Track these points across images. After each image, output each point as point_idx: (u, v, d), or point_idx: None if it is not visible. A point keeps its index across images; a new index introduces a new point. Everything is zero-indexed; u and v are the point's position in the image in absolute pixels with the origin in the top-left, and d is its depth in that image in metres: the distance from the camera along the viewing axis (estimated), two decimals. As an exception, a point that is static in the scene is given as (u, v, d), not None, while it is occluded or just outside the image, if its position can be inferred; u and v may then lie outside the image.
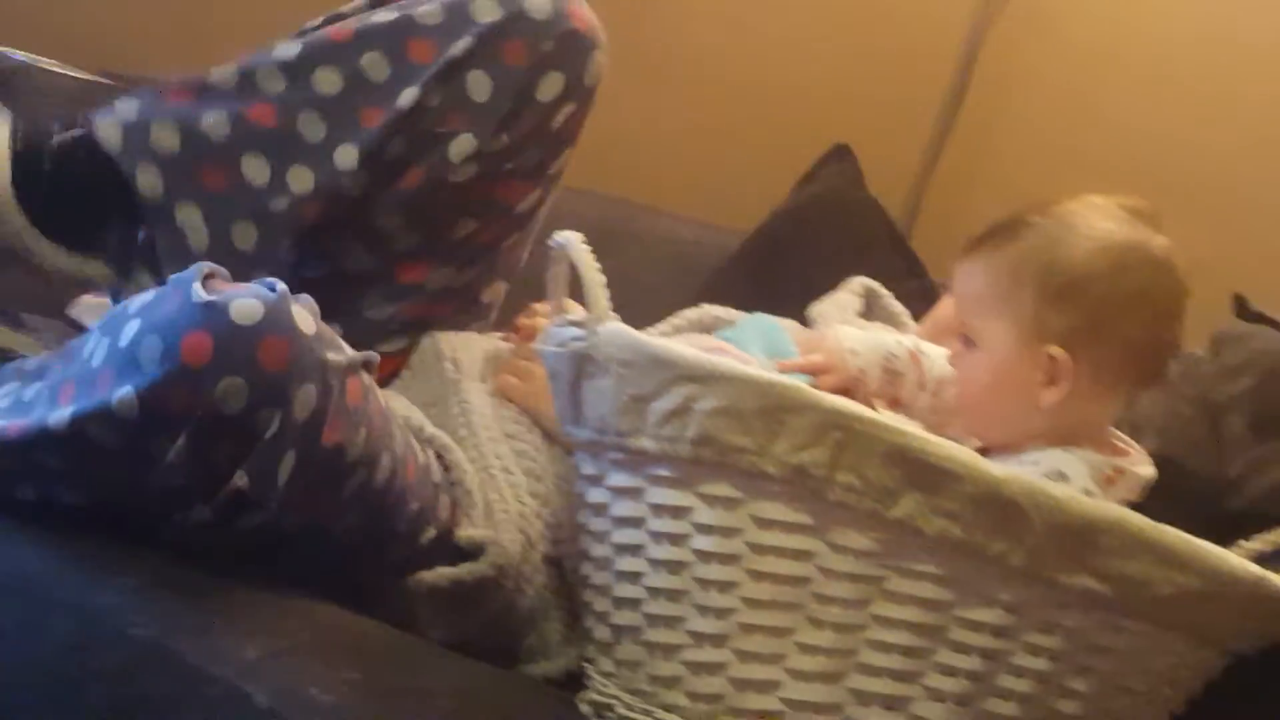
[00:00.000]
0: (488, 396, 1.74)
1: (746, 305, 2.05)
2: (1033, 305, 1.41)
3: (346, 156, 1.66)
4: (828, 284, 2.16)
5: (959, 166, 2.89)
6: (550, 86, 1.70)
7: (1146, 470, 1.46)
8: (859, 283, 2.13)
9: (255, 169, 1.66)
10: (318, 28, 1.71)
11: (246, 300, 1.26)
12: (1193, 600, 1.29)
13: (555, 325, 1.45)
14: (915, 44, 2.92)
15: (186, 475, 1.28)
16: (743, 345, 1.68)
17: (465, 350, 1.80)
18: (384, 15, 1.68)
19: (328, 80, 1.66)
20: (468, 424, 1.68)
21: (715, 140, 2.93)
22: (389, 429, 1.45)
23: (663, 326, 1.98)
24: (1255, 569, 1.32)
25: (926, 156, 2.85)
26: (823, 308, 2.06)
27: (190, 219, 1.66)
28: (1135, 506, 1.30)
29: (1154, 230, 1.44)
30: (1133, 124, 2.81)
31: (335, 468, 1.36)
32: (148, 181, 1.67)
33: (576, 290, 1.42)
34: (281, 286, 1.31)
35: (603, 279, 1.37)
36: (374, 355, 1.44)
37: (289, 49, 1.68)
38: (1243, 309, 1.94)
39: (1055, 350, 1.40)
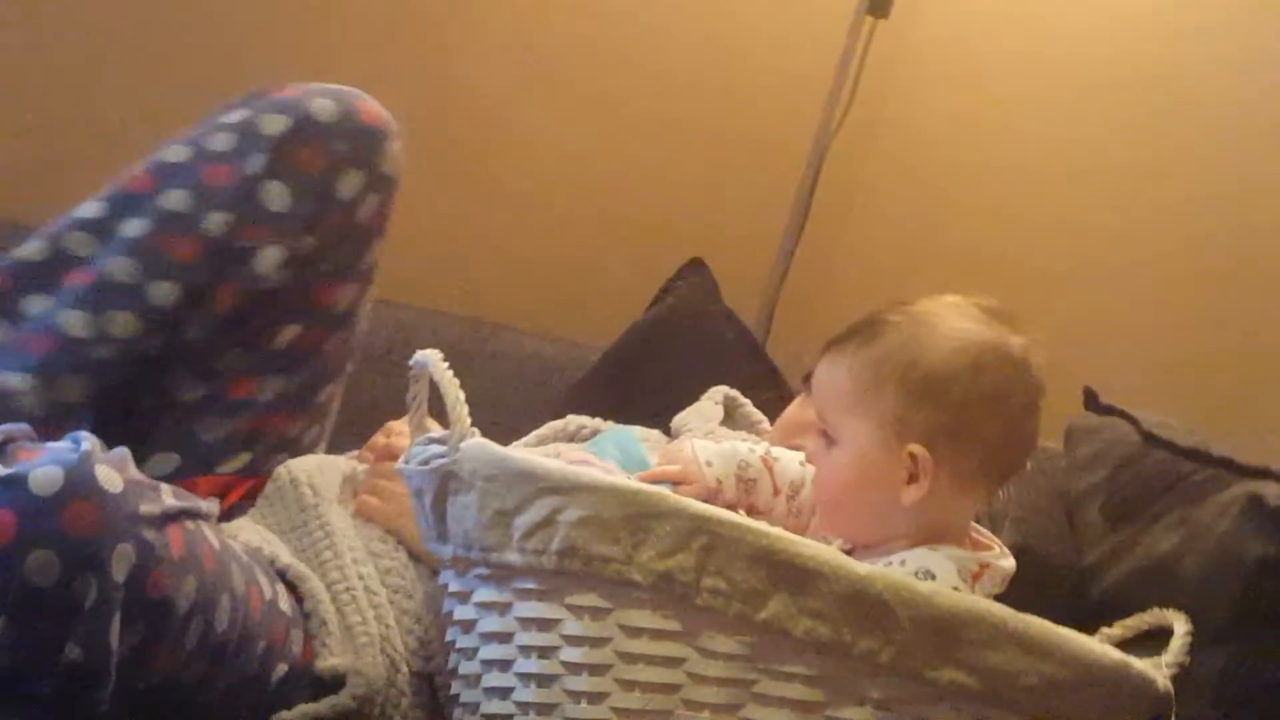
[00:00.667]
0: (349, 518, 1.72)
1: (608, 417, 2.06)
2: (894, 404, 1.42)
3: (164, 292, 1.66)
4: (688, 394, 2.17)
5: (810, 275, 2.92)
6: (350, 184, 1.71)
7: (1008, 563, 1.47)
8: (720, 392, 2.15)
9: (77, 324, 1.65)
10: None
11: (45, 469, 1.24)
12: (1060, 689, 1.30)
13: (417, 443, 1.44)
14: (763, 158, 2.96)
15: (14, 655, 1.25)
16: (601, 457, 1.68)
17: (323, 474, 1.78)
18: (177, 153, 1.70)
19: (135, 226, 1.67)
20: (331, 545, 1.66)
21: (571, 259, 2.94)
22: (225, 570, 1.43)
23: (528, 438, 1.98)
24: (1117, 654, 1.35)
25: (778, 266, 2.87)
26: (685, 418, 2.07)
27: (19, 385, 1.64)
28: (998, 599, 1.32)
29: (1011, 329, 1.47)
30: (976, 223, 2.87)
31: (168, 622, 1.34)
32: None
33: (435, 409, 1.41)
34: (86, 444, 1.29)
35: (462, 395, 1.37)
36: (207, 504, 1.44)
37: (91, 209, 1.68)
38: (1093, 402, 1.98)
39: (916, 448, 1.41)
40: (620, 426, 1.92)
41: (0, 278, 1.68)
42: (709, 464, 1.58)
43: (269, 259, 1.68)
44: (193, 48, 2.62)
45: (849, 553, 1.49)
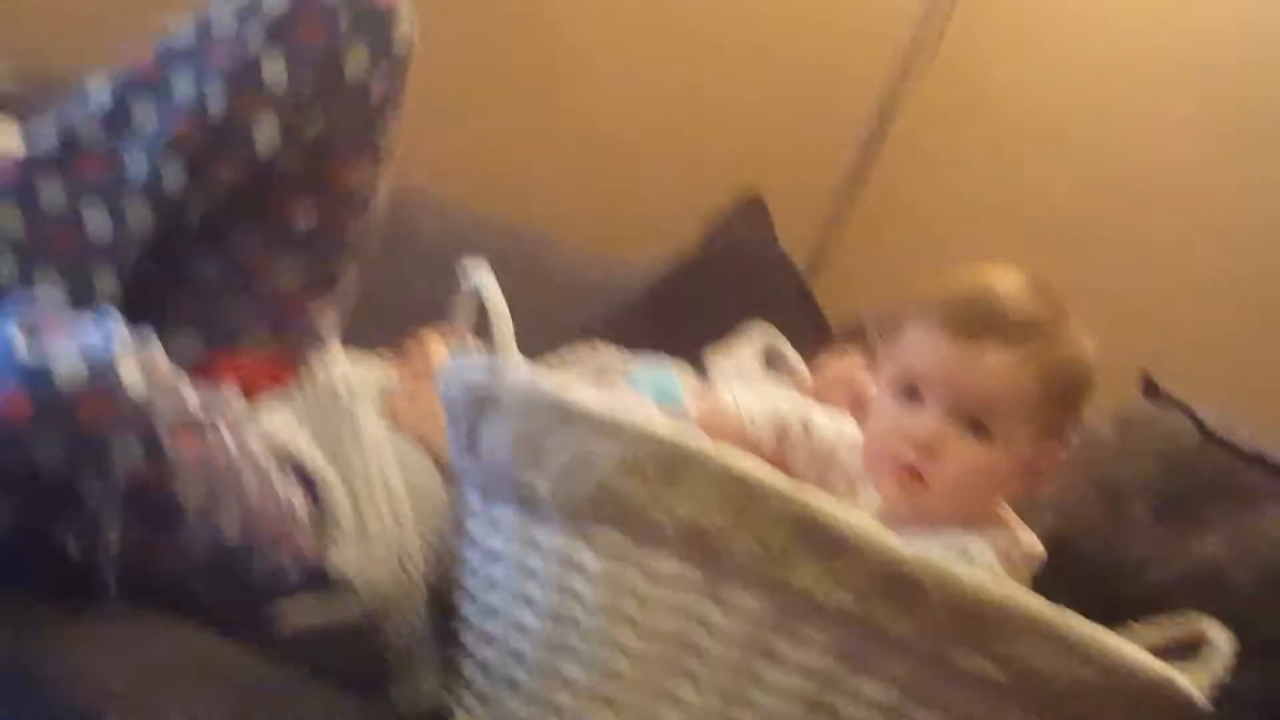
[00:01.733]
0: (382, 424, 1.72)
1: (646, 345, 2.03)
2: (1058, 414, 1.44)
3: (173, 175, 1.64)
4: (728, 331, 2.14)
5: (867, 224, 2.89)
6: (356, 61, 1.68)
7: (1039, 547, 1.46)
8: (760, 335, 2.11)
9: (97, 221, 1.65)
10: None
11: (69, 360, 1.24)
12: (1091, 694, 1.25)
13: (458, 358, 1.41)
14: (834, 94, 2.91)
15: (18, 538, 1.27)
16: (643, 393, 1.66)
17: (358, 375, 1.79)
18: (181, 35, 1.68)
19: (144, 114, 1.66)
20: (357, 444, 1.66)
21: (626, 178, 2.90)
22: (238, 477, 1.44)
23: (554, 361, 1.96)
24: (1160, 665, 1.29)
25: (836, 208, 2.84)
26: (723, 365, 2.04)
27: (49, 292, 1.64)
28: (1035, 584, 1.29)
29: None
30: (1046, 189, 2.82)
31: (173, 524, 1.34)
32: (3, 269, 1.66)
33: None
34: (116, 335, 1.28)
35: (508, 315, 1.34)
36: (230, 400, 1.45)
37: (101, 98, 1.67)
38: (1150, 389, 1.92)
39: (1061, 453, 1.45)
40: (658, 365, 1.89)
41: (18, 171, 1.67)
42: (752, 421, 1.54)
43: (267, 131, 1.65)
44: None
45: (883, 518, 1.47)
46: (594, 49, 2.86)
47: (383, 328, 2.10)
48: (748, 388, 1.82)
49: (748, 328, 2.14)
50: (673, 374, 1.80)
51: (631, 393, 1.66)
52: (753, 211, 2.53)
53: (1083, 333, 1.45)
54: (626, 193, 2.90)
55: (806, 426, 1.55)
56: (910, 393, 1.43)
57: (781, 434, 1.53)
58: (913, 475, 1.42)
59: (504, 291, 1.36)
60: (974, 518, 1.42)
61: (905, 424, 1.43)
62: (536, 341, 1.39)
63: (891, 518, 1.43)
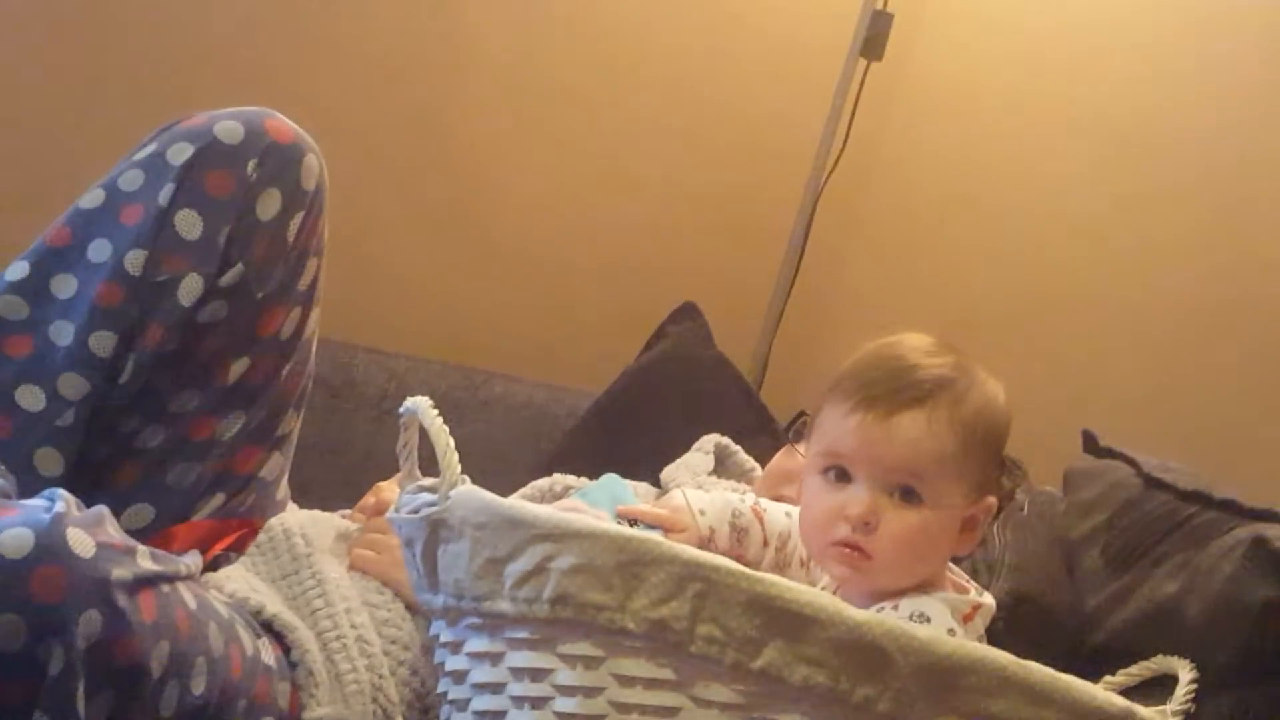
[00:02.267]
0: (343, 569, 1.71)
1: (601, 466, 2.04)
2: (981, 463, 1.45)
3: (101, 342, 1.63)
4: (681, 440, 2.16)
5: (804, 320, 2.93)
6: (269, 204, 1.68)
7: (991, 600, 1.48)
8: (710, 441, 2.14)
9: (29, 399, 1.63)
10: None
11: (15, 531, 1.23)
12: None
13: (407, 492, 1.42)
14: (755, 202, 2.97)
15: None
16: (594, 504, 1.67)
17: (316, 526, 1.77)
18: (93, 199, 1.68)
19: (63, 283, 1.65)
20: (323, 594, 1.64)
21: (563, 306, 2.95)
22: (202, 631, 1.41)
23: (513, 498, 1.96)
24: (1121, 701, 1.32)
25: (772, 311, 2.87)
26: (674, 471, 2.06)
27: None
28: (997, 645, 1.30)
29: None
30: (971, 263, 2.87)
31: (139, 688, 1.32)
32: None
33: (427, 460, 1.40)
34: (59, 506, 1.27)
35: (452, 443, 1.35)
36: (187, 563, 1.42)
37: (18, 273, 1.66)
38: (1091, 444, 1.96)
39: (991, 500, 1.46)
40: (610, 476, 1.90)
41: None
42: (702, 512, 1.58)
43: (191, 289, 1.65)
44: (176, 94, 2.63)
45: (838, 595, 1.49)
46: (518, 181, 2.90)
47: (333, 481, 2.12)
48: (698, 486, 1.85)
49: (700, 441, 2.16)
50: (624, 484, 1.82)
51: (582, 504, 1.66)
52: (687, 318, 2.56)
53: (990, 380, 1.47)
54: (564, 319, 2.94)
55: (758, 514, 1.58)
56: (838, 472, 1.46)
57: (735, 520, 1.56)
58: (855, 551, 1.44)
59: (451, 429, 1.36)
60: (925, 583, 1.45)
61: (838, 503, 1.45)
62: (490, 478, 1.39)
63: (847, 593, 1.46)
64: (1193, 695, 1.45)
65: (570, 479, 1.98)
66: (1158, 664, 1.54)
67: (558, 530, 1.26)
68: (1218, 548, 1.60)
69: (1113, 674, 1.56)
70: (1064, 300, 2.77)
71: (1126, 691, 1.50)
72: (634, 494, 1.78)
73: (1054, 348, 2.73)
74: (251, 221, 1.67)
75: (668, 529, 1.56)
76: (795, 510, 1.55)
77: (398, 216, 2.83)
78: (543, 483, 1.98)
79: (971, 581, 1.50)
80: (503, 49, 2.83)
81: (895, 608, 1.42)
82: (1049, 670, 1.27)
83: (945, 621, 1.40)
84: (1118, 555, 1.74)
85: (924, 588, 1.44)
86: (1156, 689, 1.50)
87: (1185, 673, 1.48)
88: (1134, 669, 1.55)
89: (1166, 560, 1.67)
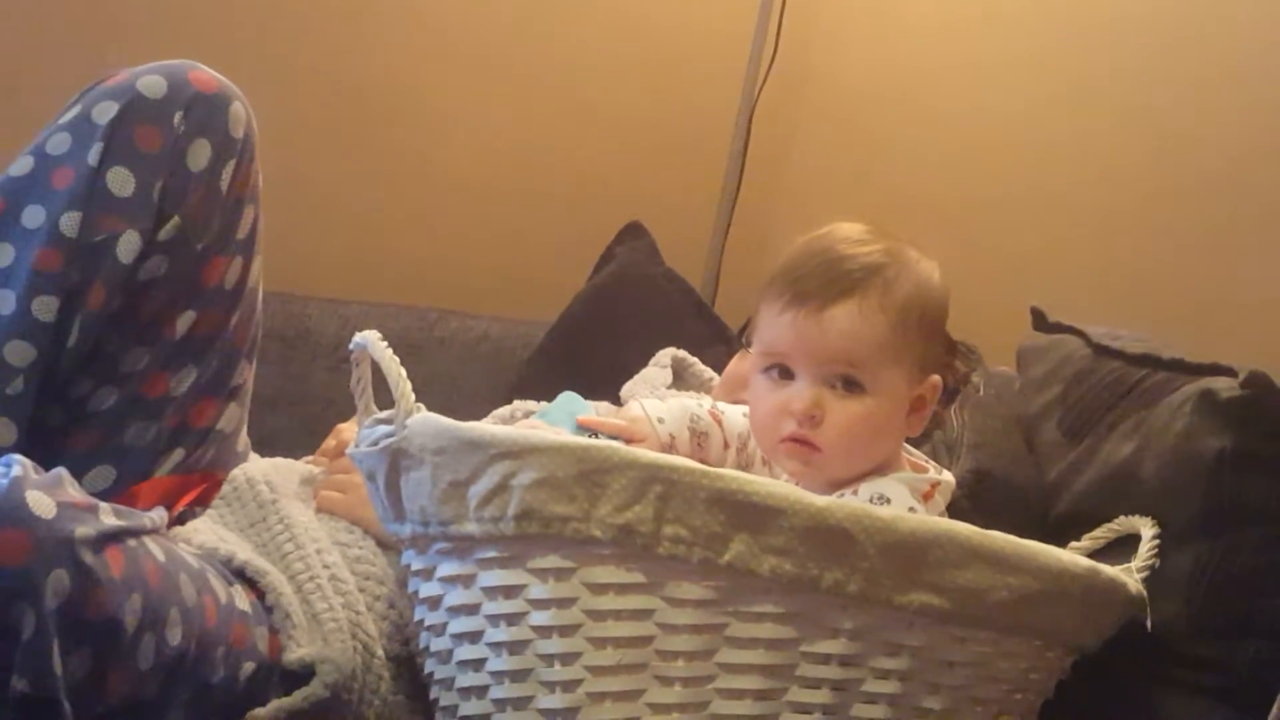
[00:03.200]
0: (311, 512, 1.71)
1: (561, 390, 2.05)
2: (919, 344, 1.46)
3: (44, 306, 1.62)
4: (640, 358, 2.17)
5: (750, 230, 2.93)
6: (199, 154, 1.68)
7: (950, 477, 1.50)
8: (667, 354, 2.15)
9: None
10: None
11: None
12: (1030, 601, 1.31)
13: (365, 426, 1.43)
14: (692, 118, 2.97)
15: None
16: (553, 423, 1.67)
17: (279, 473, 1.78)
18: (22, 165, 1.66)
19: (1, 253, 1.63)
20: (292, 538, 1.65)
21: (510, 237, 2.94)
22: (173, 582, 1.41)
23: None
24: (1085, 561, 1.35)
25: (719, 224, 2.88)
26: (633, 386, 2.07)
27: None
28: (967, 520, 1.32)
29: None
30: (907, 162, 2.88)
31: (116, 643, 1.32)
32: None
33: (383, 397, 1.40)
34: (16, 469, 1.28)
35: (404, 372, 1.35)
36: (152, 516, 1.42)
37: None
38: (1041, 321, 1.98)
39: (936, 379, 1.47)
40: (569, 394, 1.91)
41: None
42: (660, 420, 1.59)
43: (129, 246, 1.64)
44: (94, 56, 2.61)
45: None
46: (454, 115, 2.88)
47: (296, 431, 2.12)
48: (656, 397, 1.86)
49: (657, 355, 2.17)
50: (582, 401, 1.82)
51: (541, 424, 1.67)
52: (634, 238, 2.57)
53: (922, 261, 1.49)
54: (512, 250, 2.93)
55: (716, 417, 1.60)
56: (780, 370, 1.48)
57: (694, 425, 1.57)
58: (804, 445, 1.46)
59: (409, 370, 1.36)
60: (883, 465, 1.47)
61: (782, 400, 1.47)
62: (454, 415, 1.38)
63: (807, 483, 1.47)
64: (1156, 551, 1.48)
65: (530, 404, 1.99)
66: (1120, 525, 1.57)
67: (516, 446, 1.27)
68: (1168, 405, 1.62)
69: (1078, 540, 1.58)
70: (1003, 190, 2.76)
71: (1093, 555, 1.52)
72: (594, 410, 1.78)
73: (997, 237, 2.73)
74: (183, 174, 1.67)
75: (628, 439, 1.57)
76: None
77: (336, 162, 2.81)
78: (503, 411, 1.98)
79: (929, 460, 1.52)
80: (425, -14, 2.81)
81: (855, 492, 1.44)
82: (1012, 538, 1.30)
83: (905, 501, 1.43)
84: (1074, 425, 1.76)
85: (881, 470, 1.46)
86: (1122, 549, 1.53)
87: (1147, 530, 1.51)
88: (1098, 532, 1.58)
89: (1121, 424, 1.68)
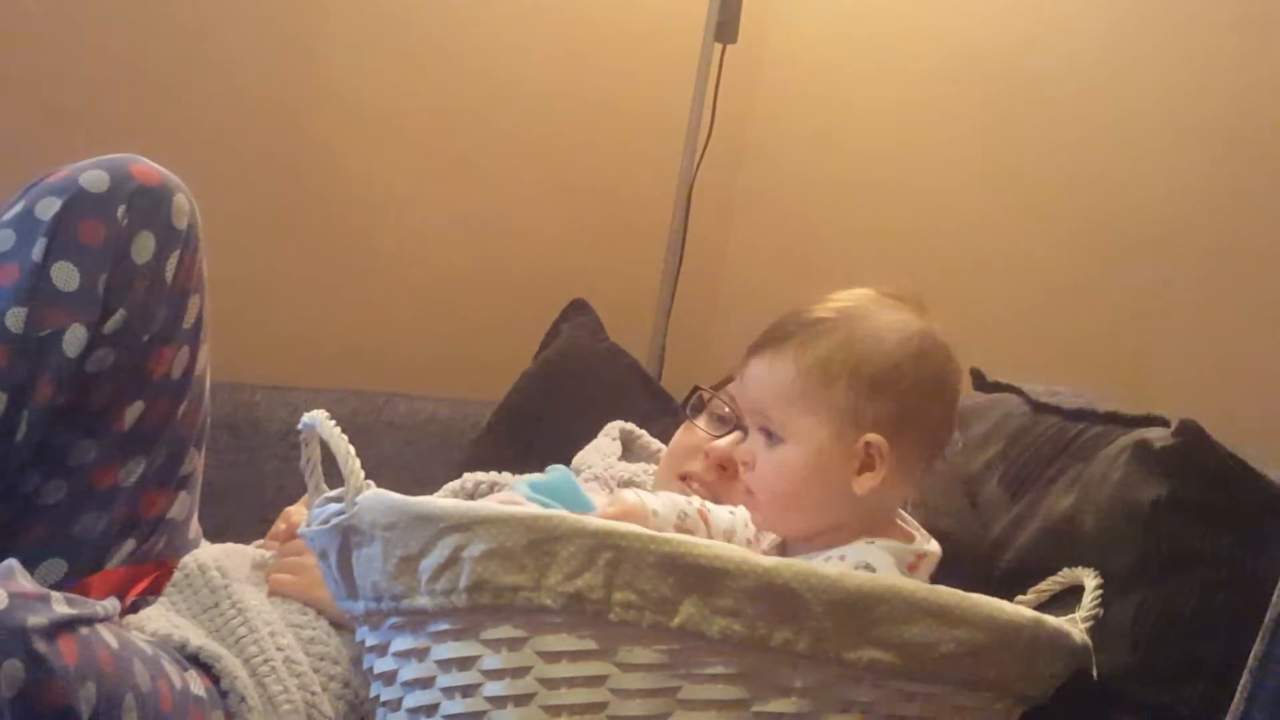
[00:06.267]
0: (263, 596, 1.72)
1: (511, 467, 2.06)
2: (845, 398, 1.45)
3: None
4: (586, 433, 2.19)
5: (694, 303, 2.96)
6: (143, 246, 1.69)
7: (937, 548, 1.50)
8: (615, 427, 2.17)
9: None
10: None
11: None
12: (977, 654, 1.32)
13: (316, 505, 1.44)
14: (633, 195, 3.00)
15: None
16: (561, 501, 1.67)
17: (230, 558, 1.79)
18: None
19: None
20: (245, 622, 1.66)
21: (455, 318, 2.95)
22: (127, 668, 1.42)
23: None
24: (1030, 612, 1.37)
25: (663, 298, 2.90)
26: (585, 456, 2.09)
27: None
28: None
29: (927, 314, 1.53)
30: (847, 231, 2.91)
31: None
32: None
33: (333, 476, 1.41)
34: None
35: (352, 450, 1.37)
36: (104, 605, 1.43)
37: None
38: (980, 381, 2.01)
39: (873, 437, 1.45)
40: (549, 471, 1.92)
41: None
42: (655, 513, 1.58)
43: (75, 340, 1.65)
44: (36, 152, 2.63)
45: (781, 551, 1.53)
46: (395, 202, 2.90)
47: (248, 520, 2.12)
48: (606, 471, 1.87)
49: (606, 428, 2.19)
50: (566, 471, 1.82)
51: (519, 497, 1.67)
52: (579, 314, 2.59)
53: (880, 321, 1.49)
54: (457, 332, 2.95)
55: (703, 515, 1.60)
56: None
57: (680, 522, 1.57)
58: (749, 493, 1.51)
59: (359, 453, 1.37)
60: (871, 530, 1.47)
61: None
62: (407, 492, 1.40)
63: (792, 548, 1.50)
64: (1099, 600, 1.50)
65: (480, 475, 2.00)
66: (1064, 577, 1.58)
67: (466, 519, 1.28)
68: (1104, 457, 1.65)
69: (1024, 593, 1.60)
70: (941, 259, 2.79)
71: (1040, 607, 1.54)
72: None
73: (937, 306, 2.76)
74: (128, 266, 1.68)
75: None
76: (739, 510, 1.57)
77: (280, 249, 2.82)
78: (453, 485, 2.00)
79: (920, 529, 1.52)
80: (361, 74, 2.82)
81: (842, 558, 1.44)
82: (957, 591, 1.32)
83: (889, 571, 1.42)
84: (1015, 481, 1.79)
85: (870, 535, 1.46)
86: (1067, 601, 1.55)
87: (1090, 580, 1.53)
88: (1043, 585, 1.60)
89: (1060, 478, 1.71)
